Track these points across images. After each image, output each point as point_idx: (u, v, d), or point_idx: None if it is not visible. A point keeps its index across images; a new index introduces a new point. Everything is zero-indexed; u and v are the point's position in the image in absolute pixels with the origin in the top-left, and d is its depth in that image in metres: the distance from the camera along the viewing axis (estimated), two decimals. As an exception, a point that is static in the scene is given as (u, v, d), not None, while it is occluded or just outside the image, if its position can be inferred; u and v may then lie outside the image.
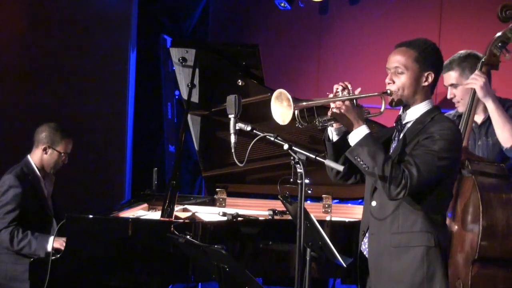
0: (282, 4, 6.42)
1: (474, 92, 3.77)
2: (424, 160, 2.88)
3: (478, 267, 3.54)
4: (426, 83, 3.03)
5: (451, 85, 3.92)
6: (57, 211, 4.59)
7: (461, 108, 3.89)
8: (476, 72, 3.77)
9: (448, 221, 3.65)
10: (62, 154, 4.49)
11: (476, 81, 3.73)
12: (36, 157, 4.48)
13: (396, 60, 3.02)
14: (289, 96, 2.85)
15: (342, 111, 2.91)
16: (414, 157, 2.90)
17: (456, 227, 3.68)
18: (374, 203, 3.07)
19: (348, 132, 2.98)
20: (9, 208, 4.27)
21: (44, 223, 4.45)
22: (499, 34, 3.81)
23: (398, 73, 3.01)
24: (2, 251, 4.29)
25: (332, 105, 2.94)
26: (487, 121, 3.87)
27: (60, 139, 4.48)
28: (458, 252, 3.66)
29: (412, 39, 3.07)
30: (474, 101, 3.77)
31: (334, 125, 3.06)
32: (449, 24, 6.10)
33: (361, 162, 2.90)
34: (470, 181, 3.60)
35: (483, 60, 3.79)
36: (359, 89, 3.00)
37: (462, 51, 3.94)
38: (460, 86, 3.88)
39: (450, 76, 3.91)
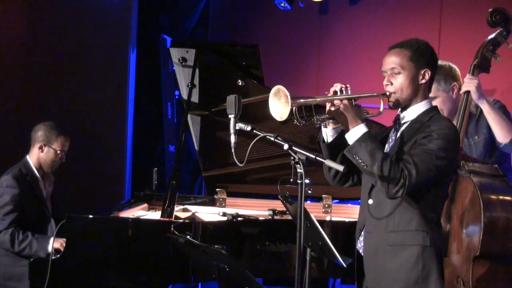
0: (282, 4, 6.42)
1: (467, 96, 3.87)
2: (423, 159, 2.89)
3: (479, 263, 3.57)
4: (423, 81, 3.05)
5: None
6: (57, 211, 4.58)
7: None
8: (468, 76, 3.88)
9: (443, 220, 3.67)
10: (58, 152, 4.48)
11: (470, 84, 3.85)
12: (33, 157, 4.48)
13: (392, 61, 3.04)
14: (287, 93, 2.85)
15: (341, 109, 2.92)
16: (413, 156, 2.91)
17: (453, 226, 3.70)
18: (371, 201, 3.08)
19: (343, 132, 2.99)
20: (8, 209, 4.26)
21: (42, 224, 4.44)
22: (490, 37, 3.92)
23: (395, 73, 3.03)
24: (1, 252, 4.28)
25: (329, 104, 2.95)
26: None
27: (56, 137, 4.47)
28: (456, 252, 3.68)
29: (404, 40, 3.09)
30: (467, 103, 3.86)
31: (330, 125, 3.07)
32: (449, 24, 6.09)
33: (360, 160, 2.91)
34: (468, 181, 3.64)
35: (475, 63, 3.89)
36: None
37: None
38: (438, 97, 3.96)
39: None
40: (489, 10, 3.90)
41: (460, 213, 3.67)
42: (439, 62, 3.85)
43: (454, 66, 4.02)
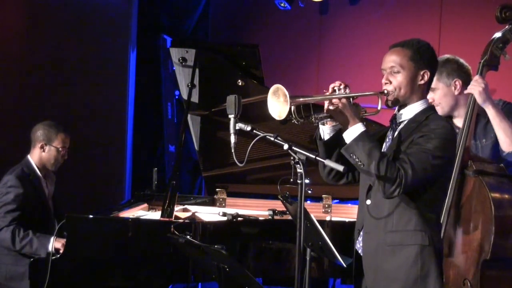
0: (282, 4, 6.42)
1: (473, 96, 3.76)
2: (419, 159, 2.89)
3: (488, 265, 3.54)
4: (422, 82, 3.05)
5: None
6: (58, 211, 4.59)
7: (441, 111, 3.83)
8: (477, 77, 3.77)
9: (449, 221, 3.66)
10: (60, 149, 4.49)
11: (475, 86, 3.73)
12: (35, 157, 4.48)
13: (392, 60, 3.04)
14: (286, 92, 2.85)
15: (339, 108, 2.92)
16: (409, 155, 2.91)
17: (460, 227, 3.66)
18: (369, 202, 3.08)
19: (340, 131, 3.00)
20: (10, 208, 4.28)
21: (45, 223, 4.45)
22: (498, 35, 3.82)
23: (394, 72, 3.03)
24: (2, 251, 4.29)
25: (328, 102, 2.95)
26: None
27: (55, 134, 4.48)
28: (462, 253, 3.65)
29: (405, 39, 3.09)
30: (475, 104, 3.76)
31: (327, 123, 3.07)
32: (449, 24, 6.09)
33: (357, 160, 2.91)
34: (476, 181, 3.61)
35: (484, 61, 3.80)
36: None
37: (442, 56, 3.87)
38: (438, 89, 3.84)
39: None
40: (499, 6, 3.82)
41: (467, 213, 3.63)
42: (449, 56, 3.86)
43: (465, 63, 3.89)
